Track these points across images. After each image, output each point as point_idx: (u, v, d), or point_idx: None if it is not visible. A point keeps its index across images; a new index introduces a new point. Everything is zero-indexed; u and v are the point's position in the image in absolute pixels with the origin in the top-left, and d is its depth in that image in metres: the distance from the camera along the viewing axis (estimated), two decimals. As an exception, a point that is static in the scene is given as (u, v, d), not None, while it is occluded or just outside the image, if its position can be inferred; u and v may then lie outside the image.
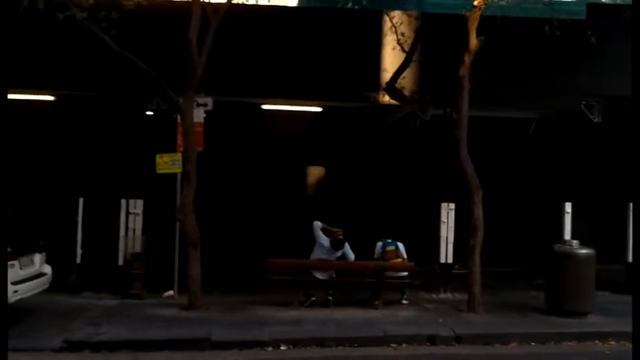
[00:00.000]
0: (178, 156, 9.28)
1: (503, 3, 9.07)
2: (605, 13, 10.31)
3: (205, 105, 9.42)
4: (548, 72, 10.34)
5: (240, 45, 9.73)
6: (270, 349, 7.28)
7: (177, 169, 9.34)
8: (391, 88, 10.02)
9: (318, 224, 9.32)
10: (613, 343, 7.86)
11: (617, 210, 10.83)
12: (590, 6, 10.17)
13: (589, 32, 9.57)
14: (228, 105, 10.45)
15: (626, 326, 8.26)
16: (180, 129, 9.22)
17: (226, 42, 9.21)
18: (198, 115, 9.28)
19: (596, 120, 10.75)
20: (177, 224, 9.18)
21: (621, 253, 10.60)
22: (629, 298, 10.01)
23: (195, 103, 9.07)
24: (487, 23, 8.96)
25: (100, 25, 8.07)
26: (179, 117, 9.10)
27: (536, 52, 10.14)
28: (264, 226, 12.02)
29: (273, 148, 12.36)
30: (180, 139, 9.29)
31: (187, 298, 8.75)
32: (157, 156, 9.47)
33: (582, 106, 10.62)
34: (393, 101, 10.25)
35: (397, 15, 10.06)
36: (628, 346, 7.76)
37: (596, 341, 7.88)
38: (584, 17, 9.96)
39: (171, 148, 9.49)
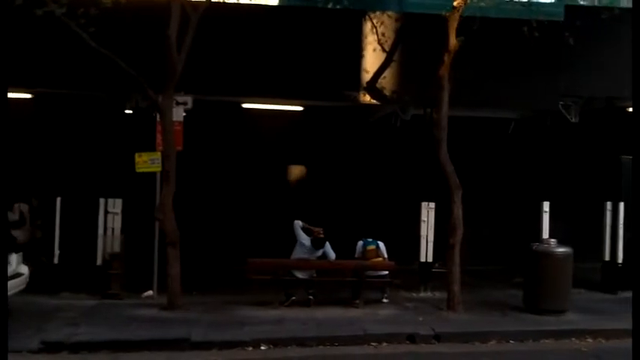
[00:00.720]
0: (157, 155, 9.21)
1: (482, 4, 9.13)
2: (582, 15, 10.42)
3: (185, 104, 9.35)
4: (527, 72, 10.45)
5: (221, 43, 9.68)
6: (251, 348, 7.25)
7: (156, 168, 9.26)
8: (372, 87, 10.04)
9: (298, 223, 9.32)
10: (590, 340, 7.96)
11: (593, 209, 10.97)
12: (567, 7, 10.29)
13: (567, 33, 9.69)
14: (208, 104, 10.39)
15: (602, 323, 8.44)
16: (159, 128, 9.14)
17: (206, 40, 9.15)
18: (178, 114, 9.22)
19: (573, 120, 10.88)
20: (157, 223, 9.11)
21: (598, 252, 10.75)
22: (604, 296, 10.27)
23: (174, 101, 9.00)
24: (466, 24, 9.03)
25: (79, 21, 7.97)
26: (158, 116, 9.03)
27: (514, 53, 10.23)
28: (245, 226, 11.98)
29: (253, 147, 12.32)
30: (159, 137, 9.21)
31: (167, 298, 8.68)
32: (136, 155, 9.38)
33: (560, 106, 10.74)
34: (373, 101, 10.27)
35: (378, 15, 10.08)
36: (604, 343, 7.91)
37: (573, 339, 7.97)
38: (562, 19, 10.07)
39: (150, 147, 9.41)
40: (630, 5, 11.46)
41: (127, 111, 10.29)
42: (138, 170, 9.39)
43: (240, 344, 7.28)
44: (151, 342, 7.23)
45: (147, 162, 9.35)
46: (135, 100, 9.96)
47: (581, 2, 11.78)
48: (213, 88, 9.84)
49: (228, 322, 8.00)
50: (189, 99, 9.39)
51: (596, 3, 11.90)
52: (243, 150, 12.29)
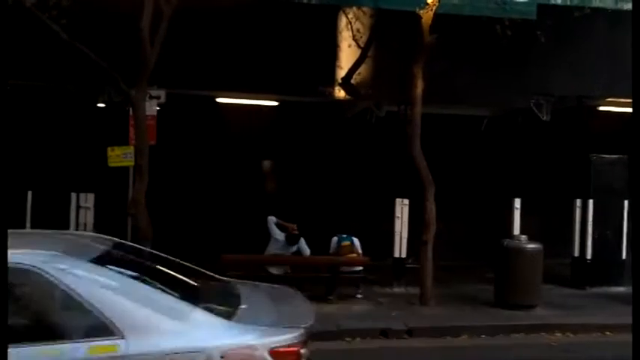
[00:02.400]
0: (130, 149, 9.10)
1: (456, 1, 9.21)
2: (554, 14, 10.58)
3: (158, 97, 9.26)
4: (500, 70, 10.57)
5: (195, 37, 9.60)
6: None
7: (129, 162, 9.15)
8: (346, 83, 10.06)
9: (272, 219, 9.31)
10: (559, 335, 8.11)
11: (563, 206, 11.16)
12: (540, 6, 10.41)
13: (539, 32, 9.83)
14: (181, 98, 10.31)
15: (571, 318, 8.61)
16: (132, 122, 9.03)
17: (180, 33, 9.06)
18: (151, 108, 9.12)
19: (544, 118, 11.03)
20: (129, 219, 9.02)
21: (567, 248, 10.94)
22: (574, 292, 10.46)
23: (147, 95, 8.89)
24: (440, 21, 9.09)
25: (50, 13, 7.82)
26: (131, 109, 8.92)
27: (488, 51, 10.34)
28: (219, 221, 11.92)
29: (228, 141, 12.25)
30: (132, 131, 9.10)
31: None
32: (109, 149, 9.27)
33: (531, 104, 10.88)
34: (348, 97, 10.29)
35: (353, 11, 10.10)
36: (572, 337, 8.07)
37: (543, 333, 8.12)
38: (534, 17, 10.19)
39: (123, 141, 9.30)
40: (601, 5, 11.67)
41: (99, 104, 10.15)
42: (110, 164, 9.28)
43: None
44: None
45: (119, 156, 9.25)
46: (107, 93, 9.83)
47: (554, 1, 11.94)
48: (187, 81, 9.76)
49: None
50: (162, 93, 9.30)
51: (568, 2, 12.08)
52: (217, 145, 12.21)
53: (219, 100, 11.37)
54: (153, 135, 9.13)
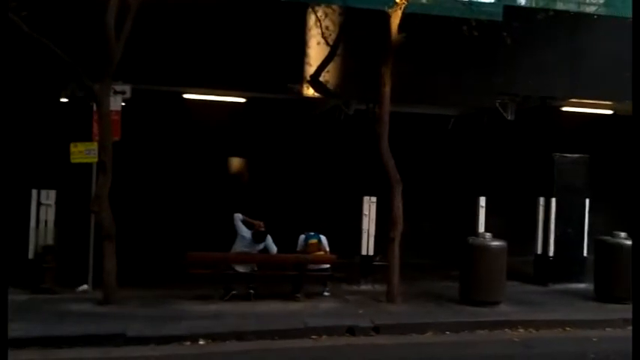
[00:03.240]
0: (94, 145, 8.94)
1: (424, 1, 9.28)
2: (520, 16, 10.76)
3: (123, 93, 9.11)
4: (466, 71, 10.69)
5: (162, 32, 9.46)
6: (189, 343, 7.14)
7: (92, 158, 8.99)
8: (315, 81, 10.04)
9: (238, 216, 9.24)
10: (521, 330, 8.24)
11: (527, 204, 11.36)
12: (506, 8, 10.58)
13: (505, 33, 9.97)
14: (147, 93, 10.16)
15: (533, 315, 8.76)
16: (96, 117, 8.88)
17: (146, 28, 8.93)
18: (116, 103, 8.98)
19: (509, 118, 11.20)
20: (92, 216, 8.85)
21: (531, 246, 11.14)
22: (536, 288, 10.66)
23: (112, 90, 8.77)
24: (409, 20, 9.15)
25: (10, 4, 7.61)
26: (95, 105, 8.75)
27: (455, 51, 10.45)
28: (185, 219, 11.80)
29: (195, 138, 12.12)
30: (96, 127, 8.95)
31: (102, 293, 8.46)
32: (72, 145, 9.09)
33: (497, 104, 11.04)
34: (316, 94, 10.26)
35: (322, 8, 10.08)
36: (534, 333, 8.22)
37: (506, 329, 8.23)
38: (500, 19, 10.35)
39: (86, 137, 9.13)
40: (565, 8, 11.92)
41: (62, 99, 9.93)
42: (73, 161, 9.10)
43: (178, 339, 7.16)
44: (85, 337, 7.01)
45: (83, 152, 9.08)
46: (71, 88, 9.62)
47: (519, 3, 12.15)
48: (153, 77, 9.62)
49: (165, 317, 7.85)
50: (127, 88, 9.15)
51: (533, 4, 12.30)
52: (183, 141, 12.08)
53: (186, 96, 11.23)
54: (117, 131, 8.99)
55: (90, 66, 8.34)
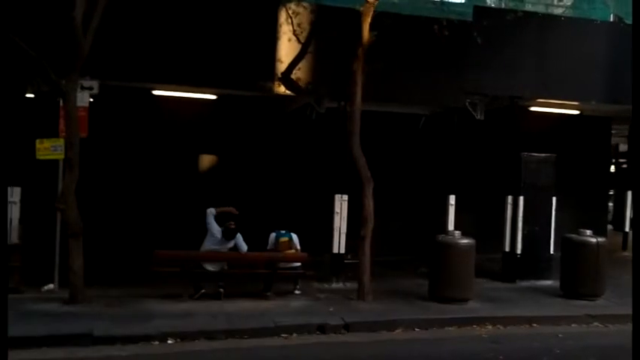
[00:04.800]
0: (60, 141, 8.76)
1: (395, 0, 9.32)
2: (490, 16, 10.88)
3: (91, 88, 8.93)
4: (437, 70, 10.76)
5: (131, 26, 9.31)
6: (157, 343, 7.07)
7: (58, 155, 8.81)
8: (286, 78, 10.00)
9: (211, 211, 9.14)
10: (489, 327, 8.35)
11: (496, 203, 11.50)
12: (476, 8, 10.69)
13: (475, 33, 10.08)
14: (116, 89, 10.01)
15: (501, 311, 8.89)
16: (62, 113, 8.69)
17: (115, 23, 8.79)
18: (83, 99, 8.80)
19: (478, 117, 11.33)
20: (58, 214, 8.69)
21: (499, 243, 11.29)
22: (504, 285, 10.80)
23: (79, 86, 8.60)
24: (380, 19, 9.18)
25: (-28, -3, 7.42)
26: (62, 100, 8.59)
27: (425, 51, 10.52)
28: (154, 217, 11.66)
29: (164, 135, 11.98)
30: (62, 123, 8.76)
31: (69, 292, 8.30)
32: (37, 141, 8.89)
33: (467, 103, 11.14)
34: (288, 92, 10.22)
35: (293, 5, 10.05)
36: (502, 329, 8.34)
37: (475, 326, 8.33)
38: (470, 19, 10.46)
39: (52, 133, 8.93)
40: (533, 9, 12.10)
41: (28, 95, 9.71)
42: (39, 157, 8.90)
43: (146, 338, 7.08)
44: (51, 337, 6.90)
45: (48, 149, 8.88)
46: (37, 83, 9.40)
47: (489, 3, 12.29)
48: (121, 73, 9.45)
49: (133, 316, 7.76)
50: (95, 84, 8.97)
51: (502, 5, 12.46)
52: (153, 138, 11.93)
53: (155, 92, 11.09)
54: (84, 127, 8.82)
55: (57, 61, 8.18)
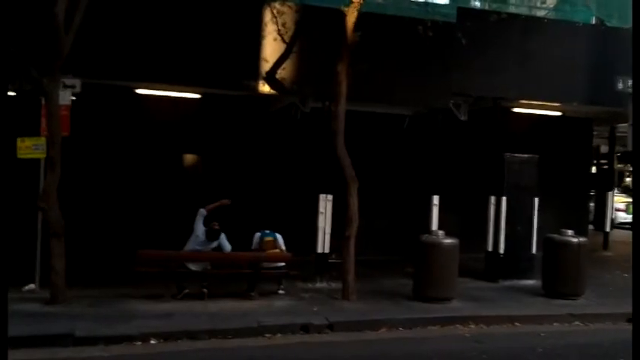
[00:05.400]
0: (42, 140, 8.67)
1: (380, 1, 9.35)
2: (473, 17, 10.96)
3: (73, 87, 8.85)
4: (421, 71, 10.82)
5: (113, 24, 9.24)
6: (139, 343, 7.02)
7: (40, 154, 8.71)
8: (271, 78, 9.99)
9: (202, 212, 9.11)
10: (472, 326, 8.40)
11: (479, 203, 11.58)
12: (460, 9, 10.76)
13: (459, 34, 10.14)
14: (98, 88, 9.93)
15: (484, 310, 8.94)
16: (44, 112, 8.61)
17: (97, 21, 8.72)
18: (65, 98, 8.72)
19: (462, 118, 11.40)
20: (40, 213, 8.60)
21: (482, 243, 11.37)
22: (487, 285, 10.88)
23: (61, 84, 8.52)
24: (365, 20, 9.20)
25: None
26: (43, 99, 8.50)
27: (410, 51, 10.56)
28: (137, 217, 11.58)
29: (148, 134, 11.91)
30: (44, 122, 8.67)
31: (50, 292, 8.22)
32: (19, 140, 8.78)
33: (451, 104, 11.21)
34: (272, 91, 10.21)
35: (278, 5, 10.04)
36: (485, 328, 8.40)
37: (458, 325, 8.38)
38: (454, 20, 10.52)
39: (34, 132, 8.84)
40: (517, 11, 12.22)
41: (9, 93, 9.59)
42: (20, 156, 8.80)
43: (128, 339, 7.03)
44: (32, 338, 6.82)
45: (30, 147, 8.78)
46: (18, 81, 9.31)
47: (473, 5, 12.37)
48: (104, 71, 9.38)
49: (115, 317, 7.69)
50: (77, 82, 8.89)
51: (486, 7, 12.55)
52: (136, 137, 11.85)
53: (138, 91, 11.02)
54: (66, 126, 8.74)
55: (38, 59, 8.09)
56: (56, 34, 7.96)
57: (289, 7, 10.10)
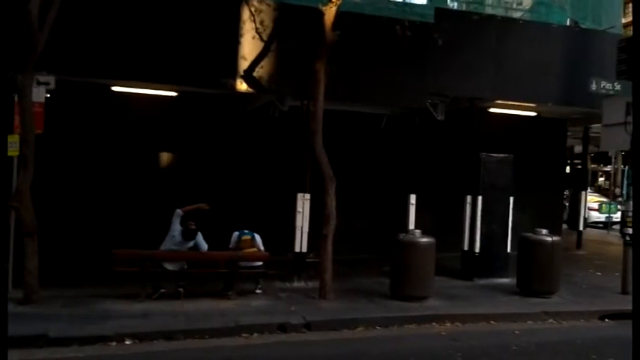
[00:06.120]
0: (15, 138, 8.50)
1: (358, 0, 9.36)
2: (451, 18, 11.04)
3: (47, 84, 8.70)
4: (399, 70, 10.86)
5: (88, 21, 9.12)
6: (114, 344, 6.95)
7: (13, 152, 8.56)
8: (249, 76, 9.95)
9: (178, 212, 9.04)
10: (448, 324, 8.47)
11: (455, 202, 11.68)
12: (437, 10, 10.83)
13: (436, 35, 10.21)
14: (73, 85, 9.79)
15: (460, 309, 9.02)
16: (17, 109, 8.44)
17: (72, 17, 8.60)
18: (39, 95, 8.57)
19: (439, 118, 11.48)
20: (13, 212, 8.44)
21: (459, 242, 11.48)
22: (463, 283, 10.98)
23: (35, 81, 8.38)
24: (343, 19, 9.21)
25: None
26: (17, 96, 8.34)
27: (387, 51, 10.60)
28: (113, 216, 11.45)
29: (123, 132, 11.77)
30: (17, 119, 8.51)
31: (23, 292, 8.09)
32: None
33: (428, 104, 11.28)
34: (250, 90, 10.17)
35: (256, 3, 10.00)
36: (461, 326, 8.47)
37: (434, 323, 8.44)
38: (432, 20, 10.58)
39: (7, 130, 8.67)
40: (493, 12, 12.34)
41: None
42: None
43: (103, 339, 6.96)
44: (3, 340, 6.71)
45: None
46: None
47: (450, 5, 12.47)
48: (79, 68, 9.25)
49: (90, 317, 7.60)
50: (51, 79, 8.75)
51: (463, 8, 12.66)
52: (112, 135, 11.70)
53: (114, 88, 10.88)
54: (40, 123, 8.59)
55: (12, 55, 7.94)
56: (30, 30, 7.84)
57: (267, 5, 10.06)
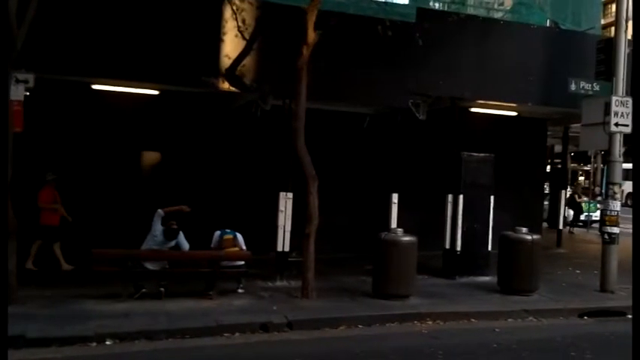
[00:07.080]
0: (-7, 136, 8.39)
1: (340, 0, 9.37)
2: (432, 18, 11.10)
3: (26, 82, 8.56)
4: (381, 70, 10.89)
5: (68, 18, 9.02)
6: (95, 344, 6.89)
7: (-9, 151, 8.44)
8: (231, 75, 9.91)
9: (159, 213, 8.98)
10: (430, 322, 8.52)
11: (437, 201, 11.75)
12: (419, 10, 10.88)
13: (417, 35, 10.26)
14: (53, 83, 9.68)
15: (441, 307, 9.08)
16: (-5, 107, 8.34)
17: (52, 14, 8.50)
18: (18, 93, 8.45)
19: (421, 117, 11.53)
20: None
21: (440, 241, 11.54)
22: (445, 281, 11.05)
23: (14, 79, 8.27)
24: (325, 18, 9.22)
25: None
26: (-6, 94, 8.23)
27: (369, 51, 10.62)
28: (95, 215, 11.34)
29: (104, 131, 11.67)
30: (-5, 118, 8.40)
31: (1, 293, 7.99)
32: (-33, 136, 8.48)
33: (410, 104, 11.33)
34: (232, 89, 10.14)
35: (238, 2, 9.96)
36: (442, 324, 8.53)
37: (416, 321, 8.48)
38: (414, 20, 10.63)
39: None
40: (475, 13, 12.43)
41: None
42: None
43: (83, 340, 6.89)
44: (-19, 341, 6.62)
45: (-20, 144, 8.49)
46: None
47: (432, 5, 12.54)
48: (58, 66, 9.15)
49: (70, 317, 7.52)
50: (30, 77, 8.61)
51: (445, 8, 12.74)
52: (92, 134, 11.59)
53: (95, 87, 10.77)
54: (19, 122, 8.46)
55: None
56: (8, 27, 7.72)
57: (250, 3, 10.03)
